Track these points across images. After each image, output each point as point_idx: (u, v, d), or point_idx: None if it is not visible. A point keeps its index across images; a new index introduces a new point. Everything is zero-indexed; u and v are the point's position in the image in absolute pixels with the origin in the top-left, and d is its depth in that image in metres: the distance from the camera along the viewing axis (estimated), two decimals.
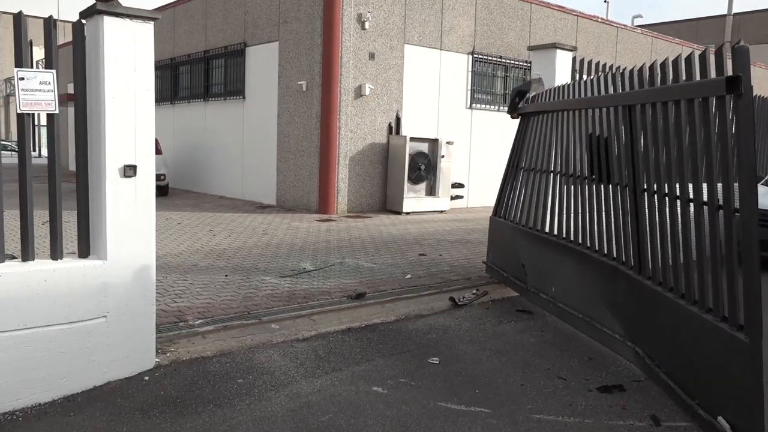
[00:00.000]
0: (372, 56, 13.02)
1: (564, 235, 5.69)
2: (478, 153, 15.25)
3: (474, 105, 15.03)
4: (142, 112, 4.04)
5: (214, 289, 6.29)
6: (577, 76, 7.05)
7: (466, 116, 14.96)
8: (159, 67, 18.67)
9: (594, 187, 5.19)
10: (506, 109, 15.74)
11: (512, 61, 15.66)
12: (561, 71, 6.82)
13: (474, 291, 6.70)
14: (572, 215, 5.54)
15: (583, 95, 5.50)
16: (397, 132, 13.53)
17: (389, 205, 13.41)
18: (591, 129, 5.18)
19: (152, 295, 4.24)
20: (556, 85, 6.76)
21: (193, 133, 17.09)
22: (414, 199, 13.26)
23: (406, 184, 13.05)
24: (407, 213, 13.16)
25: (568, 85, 5.97)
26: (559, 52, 6.78)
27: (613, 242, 4.90)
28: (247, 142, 15.01)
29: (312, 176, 12.98)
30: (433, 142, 13.52)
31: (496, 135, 15.56)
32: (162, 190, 15.53)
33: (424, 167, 13.31)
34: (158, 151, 15.31)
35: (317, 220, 11.93)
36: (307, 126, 13.06)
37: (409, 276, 7.24)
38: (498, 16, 15.24)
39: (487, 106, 15.34)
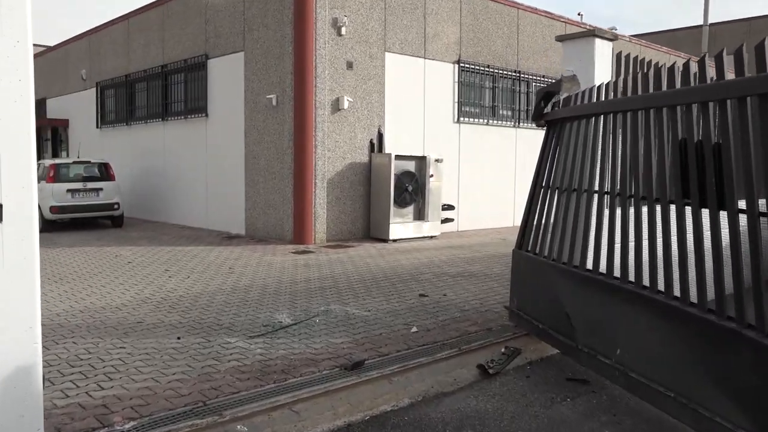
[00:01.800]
0: (350, 65, 11.54)
1: (634, 279, 4.19)
2: (467, 171, 13.82)
3: (462, 119, 13.62)
4: (6, 113, 2.44)
5: (160, 363, 4.63)
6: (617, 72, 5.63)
7: (453, 131, 13.54)
8: (113, 85, 16.96)
9: (691, 213, 3.71)
10: (496, 122, 14.55)
11: (500, 71, 14.34)
12: (601, 66, 5.39)
13: (503, 350, 5.16)
14: (649, 252, 4.05)
15: (657, 89, 4.04)
16: (380, 149, 12.03)
17: (374, 231, 11.86)
18: (684, 133, 3.70)
19: (38, 420, 2.60)
20: (597, 83, 5.32)
21: (152, 157, 15.36)
22: (401, 225, 11.74)
23: (392, 208, 11.53)
24: (394, 240, 11.62)
25: (624, 79, 4.52)
26: (598, 42, 5.35)
27: (725, 294, 3.41)
28: (211, 165, 13.35)
29: (285, 201, 11.38)
30: (421, 160, 12.05)
31: (486, 151, 14.18)
32: (116, 221, 13.77)
33: (412, 188, 11.81)
34: (111, 177, 13.56)
35: (293, 252, 10.31)
36: (279, 145, 11.49)
37: (415, 329, 5.67)
38: (484, 21, 13.93)
39: (476, 120, 13.95)
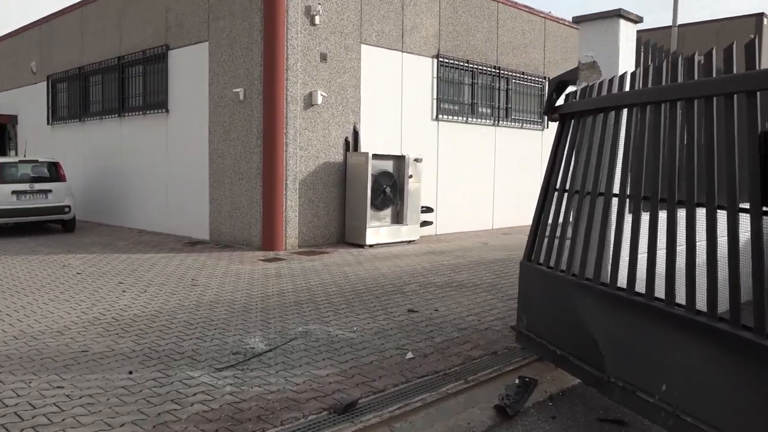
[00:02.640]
0: (324, 58, 10.70)
1: (686, 302, 3.48)
2: (446, 172, 13.11)
3: (441, 116, 12.90)
4: None
5: (106, 409, 3.75)
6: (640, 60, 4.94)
7: (432, 129, 12.80)
8: (65, 78, 15.77)
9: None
10: (475, 120, 13.87)
11: (480, 67, 13.66)
12: (626, 52, 4.68)
13: (517, 381, 4.41)
14: (707, 270, 3.34)
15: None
16: (356, 148, 11.22)
17: (349, 236, 11.04)
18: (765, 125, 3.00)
19: None
20: (622, 71, 4.61)
21: (108, 155, 14.25)
22: (379, 229, 10.94)
23: (369, 211, 10.73)
24: (371, 246, 10.82)
25: (660, 65, 3.82)
26: (623, 23, 4.63)
27: None
28: (172, 164, 12.35)
29: (253, 204, 10.48)
30: (399, 160, 11.27)
31: (465, 151, 13.49)
32: (67, 226, 12.66)
33: (390, 190, 11.03)
34: (61, 178, 12.45)
35: (262, 259, 9.42)
36: (247, 143, 10.58)
37: (410, 355, 4.88)
38: (464, 15, 13.23)
39: (455, 118, 13.24)
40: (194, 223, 11.71)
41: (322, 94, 10.62)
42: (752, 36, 3.64)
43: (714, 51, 3.52)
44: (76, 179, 14.66)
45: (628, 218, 4.05)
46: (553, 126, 16.24)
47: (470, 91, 13.64)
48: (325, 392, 4.04)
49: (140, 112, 13.15)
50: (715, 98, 3.28)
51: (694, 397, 3.39)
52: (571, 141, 4.78)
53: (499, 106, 14.29)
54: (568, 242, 4.62)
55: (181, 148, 12.08)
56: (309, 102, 10.53)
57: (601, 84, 4.51)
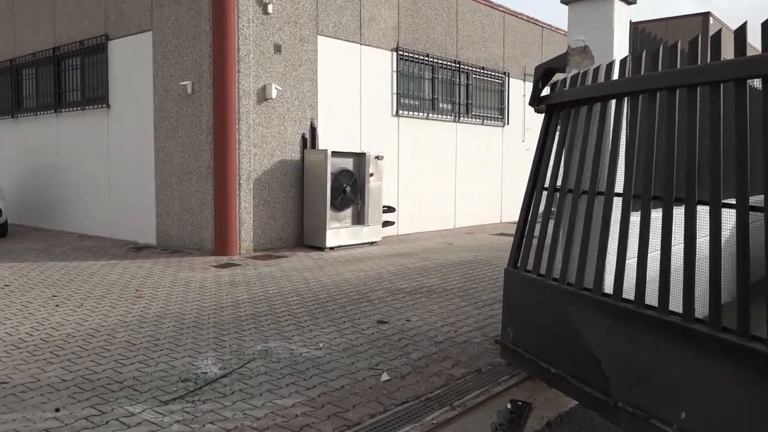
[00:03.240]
0: (278, 49, 10.03)
1: (710, 318, 3.03)
2: (407, 169, 12.60)
3: (401, 112, 12.37)
4: None
5: None
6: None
7: (392, 125, 12.27)
8: None
9: None
10: (436, 116, 13.40)
11: (440, 61, 13.19)
12: (620, 35, 4.22)
13: (509, 406, 3.91)
14: (738, 280, 2.89)
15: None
16: (313, 145, 10.59)
17: (308, 239, 10.40)
18: None
19: None
20: (617, 57, 4.15)
21: (43, 154, 13.20)
22: (339, 230, 10.34)
23: (329, 212, 10.12)
24: (331, 248, 10.22)
25: (676, 45, 3.36)
26: (617, 4, 4.16)
27: None
28: (114, 163, 11.46)
29: (204, 205, 9.74)
30: (359, 158, 10.70)
31: (426, 147, 13.01)
32: None
33: (350, 189, 10.44)
34: None
35: (215, 265, 8.71)
36: (196, 140, 9.83)
37: (386, 377, 4.32)
38: (423, 6, 12.73)
39: (416, 113, 12.74)
40: (139, 227, 10.87)
41: (276, 88, 9.95)
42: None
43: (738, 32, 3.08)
44: (8, 180, 13.56)
45: (634, 218, 3.59)
46: (515, 122, 16.12)
47: (430, 86, 13.17)
48: (292, 429, 3.45)
49: (78, 108, 12.19)
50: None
51: (721, 428, 2.95)
52: (561, 134, 4.30)
53: (459, 101, 13.86)
54: (560, 246, 4.14)
55: (124, 145, 11.21)
56: (263, 96, 9.85)
57: (597, 70, 4.04)
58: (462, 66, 13.79)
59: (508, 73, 15.26)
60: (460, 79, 13.80)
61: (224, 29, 9.34)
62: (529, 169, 4.60)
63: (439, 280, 7.90)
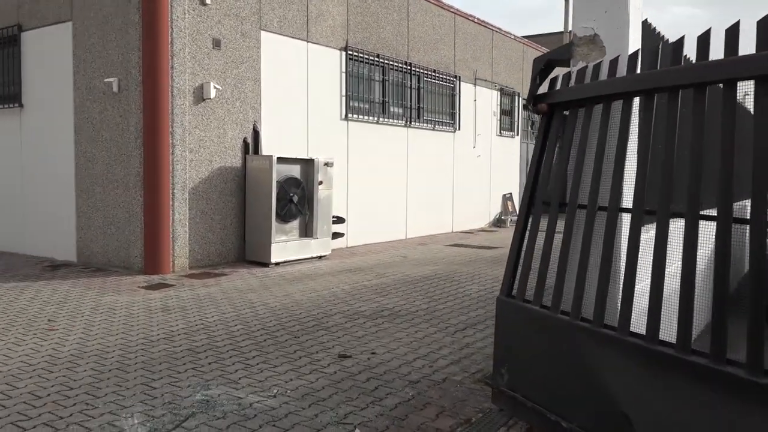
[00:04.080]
0: (217, 44, 9.08)
1: None
2: (357, 176, 11.83)
3: (350, 115, 11.59)
4: None
5: None
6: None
7: (341, 129, 11.47)
8: None
9: None
10: (386, 120, 12.68)
11: (391, 62, 12.51)
12: (636, 24, 3.58)
13: None
14: None
15: None
16: (257, 150, 9.67)
17: (251, 253, 9.46)
18: None
19: None
20: (633, 48, 3.51)
21: None
22: (286, 244, 9.45)
23: (274, 223, 9.22)
24: (277, 264, 9.32)
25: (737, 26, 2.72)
26: None
27: None
28: (28, 170, 10.19)
29: (133, 217, 8.67)
30: (307, 164, 9.85)
31: (376, 153, 12.30)
32: None
33: (298, 198, 9.57)
34: None
35: (145, 286, 7.68)
36: (122, 144, 8.76)
37: None
38: (373, 4, 12.01)
39: (366, 117, 11.99)
40: (57, 241, 9.66)
41: (215, 87, 9.00)
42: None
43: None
44: None
45: (687, 242, 2.94)
46: (466, 128, 15.60)
47: (381, 88, 12.45)
48: None
49: None
50: None
51: None
52: (567, 139, 3.62)
53: (411, 105, 13.21)
54: (571, 272, 3.45)
55: (40, 150, 9.97)
56: (200, 96, 8.88)
57: (615, 62, 3.37)
58: (413, 68, 13.15)
59: (459, 77, 14.74)
60: (411, 81, 13.15)
61: (156, 20, 8.33)
62: (527, 179, 3.90)
63: (400, 300, 7.14)
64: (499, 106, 16.69)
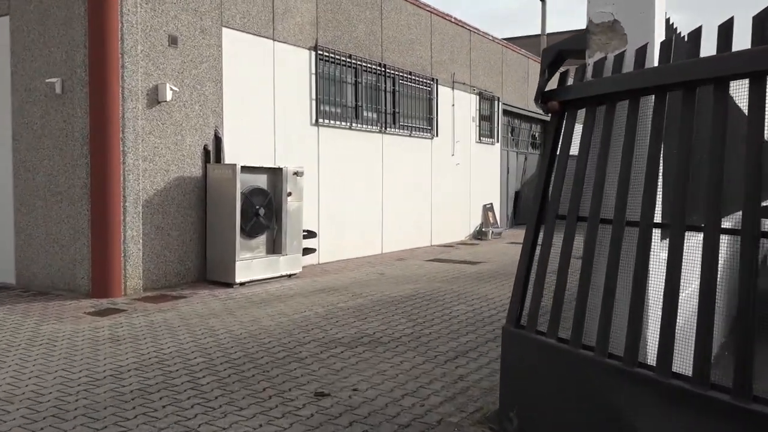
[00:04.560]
0: (174, 41, 8.58)
1: None
2: (329, 186, 11.38)
3: (321, 120, 11.15)
4: None
5: None
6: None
7: (311, 136, 11.02)
8: None
9: None
10: (360, 126, 12.26)
11: (364, 63, 12.12)
12: (660, 6, 3.22)
13: None
14: None
15: None
16: (219, 159, 9.16)
17: (213, 273, 8.93)
18: None
19: None
20: (659, 36, 3.14)
21: None
22: (251, 262, 8.94)
23: (239, 239, 8.71)
24: (242, 284, 8.80)
25: None
26: None
27: None
28: None
29: (79, 234, 8.09)
30: (275, 174, 9.38)
31: (349, 161, 11.89)
32: None
33: (265, 211, 9.08)
34: None
35: (92, 312, 7.11)
36: (67, 152, 8.18)
37: None
38: (344, 1, 11.62)
39: (338, 122, 11.56)
40: None
41: (172, 89, 8.48)
42: None
43: None
44: None
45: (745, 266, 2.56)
46: (444, 134, 15.27)
47: (353, 91, 12.04)
48: None
49: None
50: None
51: None
52: (584, 141, 3.23)
53: (385, 110, 12.83)
54: (595, 300, 3.05)
55: None
56: (154, 98, 8.35)
57: (642, 51, 3.00)
58: (388, 70, 12.78)
59: (437, 80, 14.42)
60: (385, 84, 12.78)
61: (104, 14, 7.80)
62: (536, 189, 3.50)
63: (380, 324, 6.69)
64: (478, 112, 16.42)
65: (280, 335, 6.15)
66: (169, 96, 8.42)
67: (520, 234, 17.55)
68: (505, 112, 18.33)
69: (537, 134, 21.24)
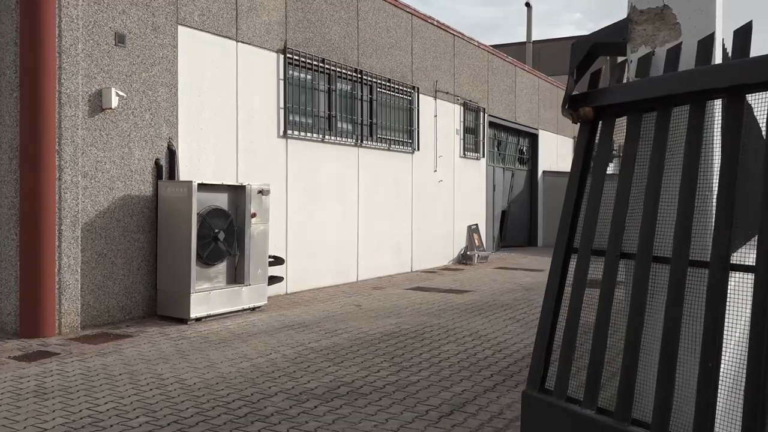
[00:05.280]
0: (121, 40, 8.00)
1: None
2: (298, 206, 10.82)
3: (290, 132, 10.61)
4: None
5: None
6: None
7: (279, 149, 10.47)
8: None
9: None
10: (333, 138, 11.73)
11: (338, 69, 11.63)
12: None
13: None
14: None
15: None
16: (172, 176, 8.56)
17: (164, 306, 8.29)
18: None
19: None
20: (720, 27, 2.68)
21: None
22: (209, 293, 8.32)
23: (195, 268, 8.10)
24: (199, 319, 8.17)
25: None
26: None
27: None
28: None
29: (5, 263, 7.41)
30: (237, 192, 8.81)
31: (322, 177, 11.37)
32: None
33: (224, 235, 8.49)
34: None
35: (17, 356, 6.42)
36: None
37: None
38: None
39: (309, 134, 11.03)
40: None
41: (118, 94, 7.89)
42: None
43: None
44: None
45: None
46: (426, 148, 14.81)
47: (327, 99, 11.54)
48: None
49: None
50: None
51: None
52: (628, 156, 2.74)
53: (362, 121, 12.34)
54: (647, 362, 2.54)
55: None
56: (98, 105, 7.75)
57: (708, 42, 2.52)
58: (365, 76, 12.32)
59: (418, 89, 14.01)
60: (362, 92, 12.30)
61: (39, 7, 7.20)
62: (561, 217, 3.00)
63: (359, 369, 6.13)
64: (462, 123, 16.03)
65: (242, 385, 5.55)
66: (114, 102, 7.82)
67: (508, 258, 17.15)
68: (492, 125, 17.99)
69: (525, 149, 20.95)
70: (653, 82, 2.66)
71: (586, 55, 2.98)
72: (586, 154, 2.96)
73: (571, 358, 2.83)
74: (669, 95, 2.57)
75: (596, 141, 2.92)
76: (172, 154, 8.60)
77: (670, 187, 2.60)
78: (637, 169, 2.74)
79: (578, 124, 3.04)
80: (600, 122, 2.94)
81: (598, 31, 3.05)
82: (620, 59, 2.96)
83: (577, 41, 3.06)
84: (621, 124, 2.92)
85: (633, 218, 2.71)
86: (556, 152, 22.81)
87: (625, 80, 2.88)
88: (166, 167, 8.54)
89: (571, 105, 2.99)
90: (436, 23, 14.88)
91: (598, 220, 2.84)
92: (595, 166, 2.91)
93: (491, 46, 18.25)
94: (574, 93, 3.01)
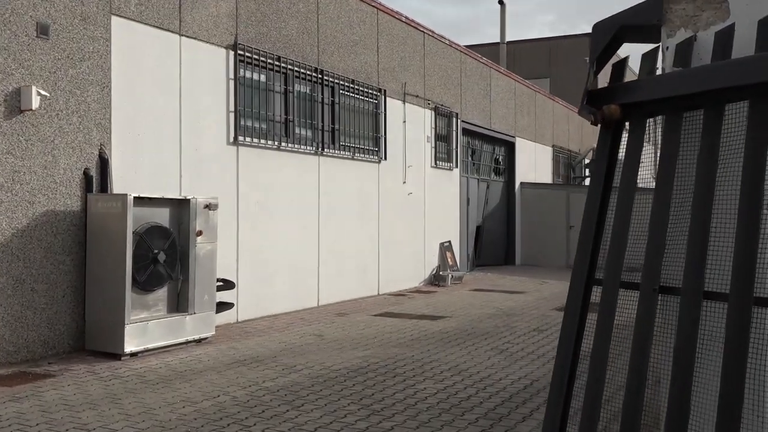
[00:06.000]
0: (44, 31, 7.51)
1: None
2: (251, 223, 10.36)
3: (242, 138, 10.16)
4: None
5: None
6: None
7: (229, 158, 10.01)
8: None
9: None
10: (291, 146, 11.31)
11: (296, 69, 11.23)
12: None
13: None
14: None
15: None
16: (104, 187, 8.07)
17: (94, 340, 7.78)
18: None
19: None
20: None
21: None
22: (147, 324, 7.81)
23: (130, 294, 7.59)
24: (134, 355, 7.64)
25: None
26: None
27: None
28: None
29: None
30: (180, 207, 8.35)
31: (279, 190, 10.95)
32: None
33: (165, 257, 8.00)
34: None
35: None
36: None
37: None
38: None
39: (263, 141, 10.60)
40: None
41: (40, 93, 7.38)
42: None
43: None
44: None
45: None
46: (393, 157, 14.47)
47: (283, 102, 11.13)
48: None
49: None
50: None
51: None
52: (666, 167, 2.37)
53: (323, 126, 11.95)
54: (696, 419, 2.16)
55: None
56: (15, 106, 7.22)
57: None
58: (326, 77, 11.94)
59: (385, 91, 13.70)
60: (323, 95, 11.92)
61: None
62: (578, 241, 2.62)
63: (323, 414, 5.68)
64: (433, 130, 15.76)
65: None
66: (35, 103, 7.30)
67: (484, 278, 16.87)
68: (465, 131, 17.75)
69: (501, 158, 20.79)
70: (700, 73, 2.30)
71: (611, 40, 2.62)
72: (609, 163, 2.59)
73: (597, 421, 2.43)
74: (723, 89, 2.21)
75: (624, 144, 2.55)
76: (104, 163, 8.09)
77: (723, 205, 2.23)
78: (677, 182, 2.38)
79: (598, 126, 2.66)
80: (627, 123, 2.57)
81: (626, 10, 2.68)
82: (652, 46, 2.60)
83: (599, 23, 2.68)
84: (652, 125, 2.56)
85: (674, 243, 2.34)
86: (535, 162, 22.72)
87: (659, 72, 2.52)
88: (97, 178, 8.04)
89: (591, 102, 2.62)
90: (404, 19, 14.60)
91: (628, 246, 2.46)
92: (623, 178, 2.53)
93: (470, 45, 18.06)
94: (594, 88, 2.64)
